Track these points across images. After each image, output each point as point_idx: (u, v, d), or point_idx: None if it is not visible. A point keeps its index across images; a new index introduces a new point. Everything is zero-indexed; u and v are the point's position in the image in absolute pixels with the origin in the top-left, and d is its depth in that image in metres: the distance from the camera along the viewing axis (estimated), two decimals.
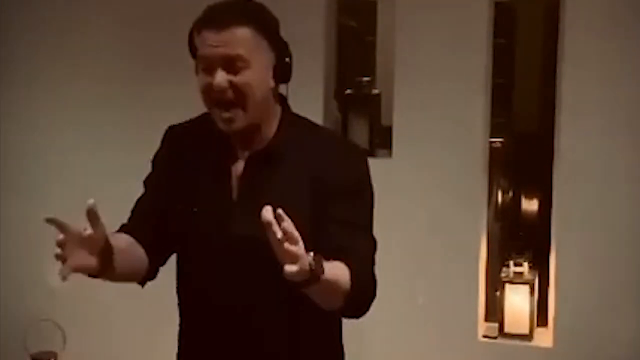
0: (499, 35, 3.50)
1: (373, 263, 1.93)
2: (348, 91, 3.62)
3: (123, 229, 2.03)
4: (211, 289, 1.93)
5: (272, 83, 1.88)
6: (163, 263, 2.05)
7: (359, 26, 4.17)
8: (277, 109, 1.95)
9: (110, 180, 3.62)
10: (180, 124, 2.06)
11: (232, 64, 1.82)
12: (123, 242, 1.92)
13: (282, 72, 1.90)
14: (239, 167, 1.92)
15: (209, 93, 1.85)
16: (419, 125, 3.34)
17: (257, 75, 1.85)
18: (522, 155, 3.94)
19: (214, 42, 1.82)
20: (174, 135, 2.05)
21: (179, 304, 2.04)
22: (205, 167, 1.95)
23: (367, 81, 3.67)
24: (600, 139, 3.18)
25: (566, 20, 3.19)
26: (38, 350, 3.36)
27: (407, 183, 3.37)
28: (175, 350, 2.08)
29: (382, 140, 3.56)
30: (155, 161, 2.07)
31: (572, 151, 3.21)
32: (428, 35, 3.31)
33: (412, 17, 3.34)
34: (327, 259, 1.70)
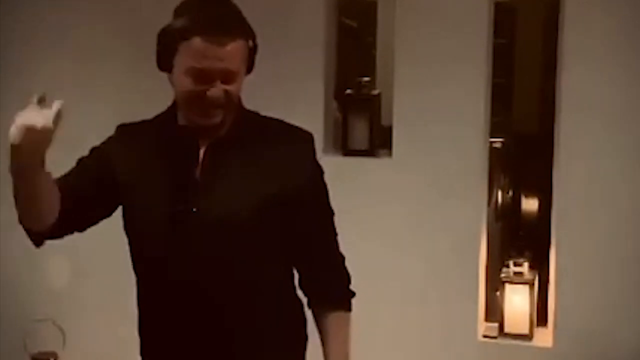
0: (499, 35, 3.50)
1: (336, 235, 2.06)
2: (348, 91, 3.62)
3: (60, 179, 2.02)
4: (172, 277, 1.95)
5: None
6: (72, 227, 2.05)
7: (359, 26, 4.17)
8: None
9: None
10: (131, 123, 2.11)
11: (227, 76, 1.87)
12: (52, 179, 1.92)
13: (250, 68, 1.97)
14: (197, 156, 1.95)
15: (195, 100, 1.88)
16: (419, 125, 3.34)
17: (241, 81, 1.93)
18: (522, 155, 3.94)
19: (215, 56, 1.84)
20: (126, 132, 2.10)
21: (137, 289, 2.05)
22: (164, 160, 1.98)
23: (367, 81, 3.66)
24: (600, 139, 3.18)
25: (566, 20, 3.19)
26: (38, 351, 3.36)
27: (407, 183, 3.37)
28: None
29: (382, 140, 3.56)
30: (101, 147, 2.10)
31: (572, 151, 3.21)
32: (428, 35, 3.31)
33: (412, 17, 3.34)
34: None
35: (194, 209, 1.91)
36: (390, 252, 3.28)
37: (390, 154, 3.41)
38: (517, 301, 3.36)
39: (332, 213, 2.05)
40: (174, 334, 1.97)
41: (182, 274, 1.93)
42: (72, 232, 2.06)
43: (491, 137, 3.44)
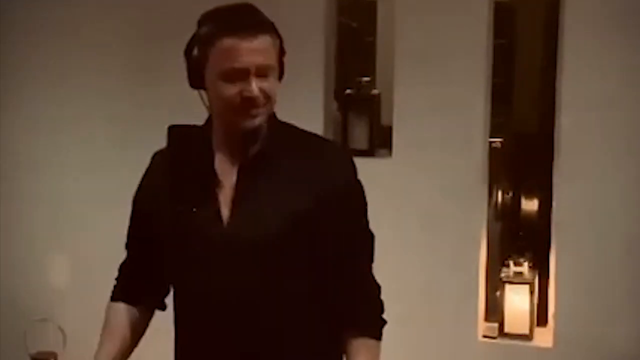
0: (499, 35, 3.50)
1: (372, 261, 2.00)
2: (348, 91, 3.62)
3: (121, 293, 2.10)
4: (209, 293, 1.92)
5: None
6: (169, 292, 2.06)
7: (359, 26, 4.17)
8: None
9: (110, 179, 3.63)
10: (165, 149, 2.04)
11: (262, 71, 1.84)
12: (124, 332, 2.03)
13: (281, 73, 1.94)
14: (230, 172, 1.91)
15: (236, 101, 1.84)
16: (419, 125, 3.34)
17: (276, 79, 1.89)
18: (522, 155, 3.94)
19: (247, 51, 1.81)
20: (158, 160, 2.06)
21: (175, 311, 2.03)
22: (193, 178, 1.93)
23: (367, 81, 3.67)
24: (600, 139, 3.18)
25: (566, 21, 3.20)
26: (38, 350, 3.36)
27: (406, 183, 3.37)
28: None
29: (382, 140, 3.56)
30: (137, 192, 2.08)
31: (572, 151, 3.21)
32: (428, 36, 3.31)
33: (412, 17, 3.34)
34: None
35: (226, 228, 1.88)
36: (390, 252, 3.28)
37: (390, 154, 3.41)
38: (517, 301, 3.36)
39: (371, 236, 2.00)
40: (208, 353, 1.95)
41: (216, 294, 1.89)
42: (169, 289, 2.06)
43: (491, 137, 3.44)
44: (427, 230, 3.36)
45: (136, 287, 2.08)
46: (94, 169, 3.68)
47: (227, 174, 1.91)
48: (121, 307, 2.07)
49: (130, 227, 2.08)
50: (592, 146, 3.19)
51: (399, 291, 3.35)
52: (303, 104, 3.32)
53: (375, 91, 3.66)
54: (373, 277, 2.00)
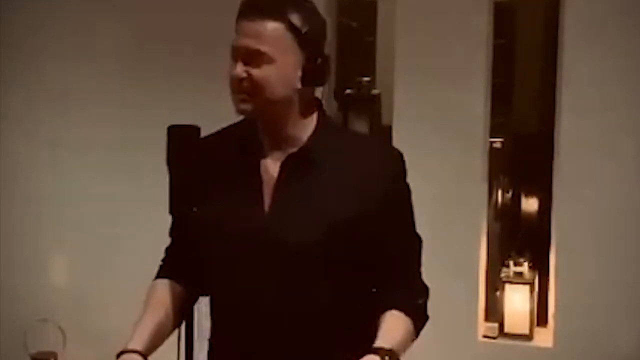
0: (499, 35, 3.50)
1: (420, 266, 1.98)
2: (348, 91, 3.62)
3: (168, 271, 2.01)
4: (245, 294, 1.87)
5: (298, 84, 1.81)
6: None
7: (359, 26, 4.17)
8: (312, 113, 1.88)
9: (110, 179, 3.63)
10: (207, 136, 2.02)
11: (252, 57, 1.78)
12: (165, 306, 1.94)
13: (313, 74, 1.83)
14: (272, 170, 1.86)
15: (230, 82, 1.81)
16: (419, 125, 3.34)
17: (279, 72, 1.79)
18: (522, 155, 3.94)
19: (241, 32, 1.79)
20: (202, 149, 2.01)
21: (211, 311, 1.99)
22: (236, 173, 1.89)
23: (367, 81, 3.67)
24: (600, 139, 3.18)
25: (566, 21, 3.19)
26: (38, 350, 3.36)
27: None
28: (176, 350, 2.08)
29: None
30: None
31: (572, 151, 3.21)
32: (428, 36, 3.31)
33: (412, 17, 3.34)
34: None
35: (268, 238, 1.82)
36: None
37: None
38: (517, 301, 3.36)
39: (418, 240, 1.95)
40: (243, 353, 1.91)
41: (252, 294, 1.84)
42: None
43: (491, 137, 3.44)
44: (427, 230, 3.34)
45: (181, 267, 1.98)
46: (94, 169, 3.68)
47: (270, 170, 1.86)
48: (165, 283, 1.98)
49: (175, 232, 2.03)
50: (591, 146, 3.19)
51: None
52: None
53: (375, 91, 3.66)
54: (421, 279, 1.97)
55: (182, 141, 2.12)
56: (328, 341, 1.86)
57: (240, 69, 1.79)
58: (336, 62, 3.60)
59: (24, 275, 3.78)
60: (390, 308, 1.85)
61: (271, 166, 1.85)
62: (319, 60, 1.82)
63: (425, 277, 3.11)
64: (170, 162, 2.33)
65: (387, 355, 1.72)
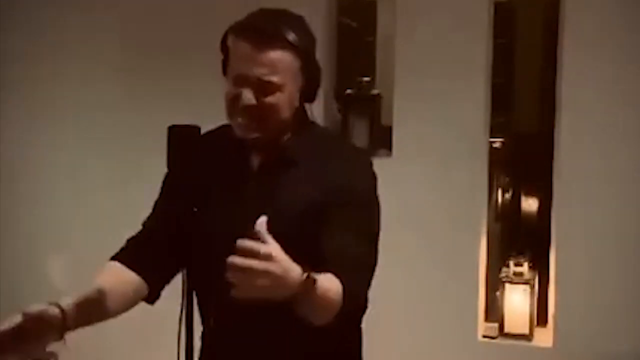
0: (499, 35, 3.50)
1: (371, 276, 1.91)
2: (348, 91, 3.62)
3: (122, 254, 2.02)
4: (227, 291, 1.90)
5: (297, 103, 1.88)
6: (167, 282, 2.03)
7: (359, 26, 4.17)
8: (296, 120, 1.93)
9: (110, 179, 3.63)
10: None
11: (263, 87, 1.81)
12: (107, 285, 1.94)
13: (311, 92, 1.90)
14: (254, 173, 1.91)
15: (234, 103, 1.83)
16: (419, 125, 3.34)
17: (286, 97, 1.84)
18: (522, 155, 3.94)
19: (251, 60, 1.79)
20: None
21: (199, 307, 2.02)
22: (220, 175, 1.94)
23: (367, 81, 3.66)
24: (600, 139, 3.18)
25: (566, 20, 3.20)
26: None
27: (407, 183, 3.36)
28: (175, 350, 2.08)
29: (382, 140, 3.56)
30: (166, 179, 2.05)
31: (572, 151, 3.21)
32: (428, 36, 3.31)
33: (412, 17, 3.34)
34: (321, 270, 1.66)
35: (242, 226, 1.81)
36: (390, 253, 3.27)
37: (390, 154, 3.41)
38: (517, 301, 3.36)
39: (376, 255, 1.93)
40: (231, 346, 1.95)
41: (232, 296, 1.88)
42: (169, 282, 2.03)
43: (491, 137, 3.44)
44: (427, 230, 3.36)
45: (143, 257, 2.00)
46: (94, 169, 3.68)
47: (245, 175, 1.91)
48: (117, 266, 2.00)
49: (154, 207, 2.05)
50: (592, 146, 3.19)
51: (399, 291, 3.35)
52: None
53: (375, 91, 3.66)
54: (366, 288, 1.88)
55: (182, 141, 2.11)
56: (300, 331, 1.82)
57: (250, 96, 1.81)
58: (336, 62, 3.60)
59: (24, 275, 3.78)
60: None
61: (250, 169, 1.90)
62: (316, 78, 1.89)
63: (426, 277, 3.12)
64: (170, 162, 2.32)
65: (307, 274, 1.59)
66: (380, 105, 3.64)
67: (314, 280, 1.60)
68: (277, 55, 1.80)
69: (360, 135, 3.55)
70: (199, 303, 2.02)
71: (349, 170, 1.91)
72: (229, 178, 1.93)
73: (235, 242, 1.77)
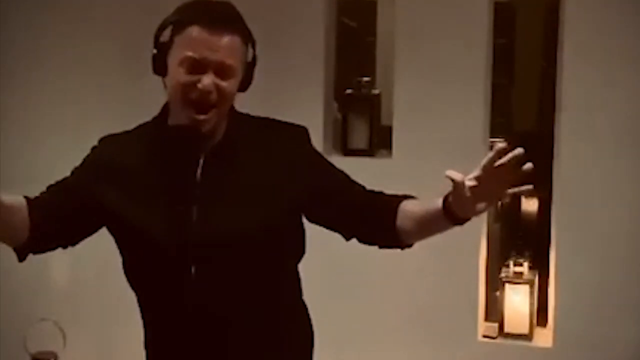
0: (499, 35, 3.50)
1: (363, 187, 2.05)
2: (348, 91, 3.62)
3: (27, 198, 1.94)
4: (175, 293, 1.89)
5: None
6: (49, 244, 2.05)
7: (359, 26, 4.17)
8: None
9: None
10: (115, 134, 2.02)
11: (223, 70, 1.82)
12: (8, 200, 1.85)
13: (246, 83, 1.92)
14: (190, 168, 1.88)
15: (188, 92, 1.82)
16: (419, 125, 3.34)
17: (236, 84, 1.87)
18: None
19: (211, 45, 1.80)
20: (111, 145, 2.00)
21: (142, 312, 2.01)
22: (154, 174, 1.91)
23: (367, 81, 3.66)
24: (600, 138, 3.18)
25: (566, 20, 3.19)
26: (38, 350, 3.36)
27: (407, 183, 3.36)
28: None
29: (382, 140, 3.56)
30: (83, 166, 2.02)
31: (572, 151, 3.21)
32: (428, 36, 3.31)
33: (412, 17, 3.34)
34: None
35: (193, 225, 1.85)
36: (390, 253, 3.27)
37: (390, 154, 3.41)
38: (517, 301, 3.36)
39: (346, 174, 2.03)
40: (180, 351, 1.93)
41: (187, 294, 1.87)
42: (52, 248, 2.06)
43: (491, 137, 3.44)
44: None
45: (42, 209, 1.96)
46: None
47: (187, 168, 1.88)
48: (22, 200, 1.95)
49: (62, 183, 2.01)
50: (592, 146, 3.19)
51: (399, 291, 3.35)
52: (303, 104, 3.32)
53: (375, 91, 3.66)
54: (372, 190, 2.04)
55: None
56: (269, 331, 1.93)
57: (210, 81, 1.81)
58: (336, 62, 3.60)
59: (24, 275, 3.78)
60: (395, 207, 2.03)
61: (187, 165, 1.87)
62: (253, 69, 1.90)
63: (426, 277, 3.13)
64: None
65: None
66: (380, 105, 3.64)
67: None
68: (233, 39, 1.82)
69: (360, 135, 3.55)
70: (143, 314, 2.00)
71: (293, 154, 1.94)
72: (173, 173, 1.89)
73: (191, 241, 1.81)
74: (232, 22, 1.84)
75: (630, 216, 3.18)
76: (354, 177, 2.06)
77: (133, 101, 3.65)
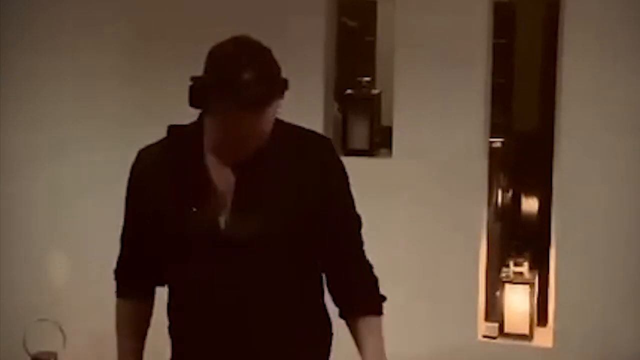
0: (499, 35, 3.50)
1: (363, 244, 2.08)
2: (348, 91, 3.62)
3: (125, 285, 2.18)
4: (209, 291, 1.94)
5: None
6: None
7: (359, 26, 4.17)
8: None
9: (110, 179, 3.62)
10: (151, 145, 2.06)
11: (257, 134, 1.85)
12: (139, 334, 2.15)
13: (281, 95, 1.92)
14: (226, 174, 1.92)
15: (225, 138, 1.84)
16: (419, 125, 3.34)
17: (270, 122, 1.87)
18: (522, 155, 3.94)
19: (243, 121, 1.79)
20: (148, 159, 2.04)
21: (171, 317, 2.06)
22: (185, 183, 1.95)
23: (367, 81, 3.66)
24: (600, 139, 3.18)
25: (566, 20, 3.20)
26: (38, 350, 3.36)
27: (407, 183, 3.36)
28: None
29: (382, 140, 3.56)
30: (130, 190, 2.07)
31: (572, 151, 3.21)
32: (428, 35, 3.31)
33: (412, 17, 3.34)
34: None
35: (226, 228, 1.91)
36: (390, 252, 3.28)
37: (390, 154, 3.41)
38: (517, 301, 3.36)
39: (359, 222, 2.06)
40: (207, 349, 1.99)
41: (217, 296, 1.93)
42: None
43: (491, 137, 3.44)
44: (427, 230, 3.36)
45: (140, 282, 2.13)
46: (94, 169, 3.68)
47: (223, 174, 1.93)
48: (132, 304, 2.17)
49: (125, 223, 2.09)
50: (591, 146, 3.19)
51: (399, 291, 3.35)
52: (303, 104, 3.32)
53: (375, 91, 3.66)
54: (365, 256, 2.08)
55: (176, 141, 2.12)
56: (289, 332, 1.98)
57: (241, 141, 1.85)
58: (336, 62, 3.60)
59: (24, 275, 3.78)
60: (357, 307, 2.03)
61: (222, 171, 1.92)
62: (285, 86, 1.90)
63: (426, 277, 3.13)
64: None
65: None
66: (380, 105, 3.64)
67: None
68: (267, 112, 1.82)
69: (360, 135, 3.55)
70: (177, 310, 2.04)
71: (318, 161, 1.98)
72: (210, 178, 1.94)
73: (218, 251, 1.88)
74: (268, 96, 1.81)
75: (630, 216, 3.18)
76: (353, 177, 2.06)
77: (136, 102, 3.65)
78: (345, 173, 2.04)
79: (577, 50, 3.17)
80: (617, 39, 3.14)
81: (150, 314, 2.16)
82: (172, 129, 2.01)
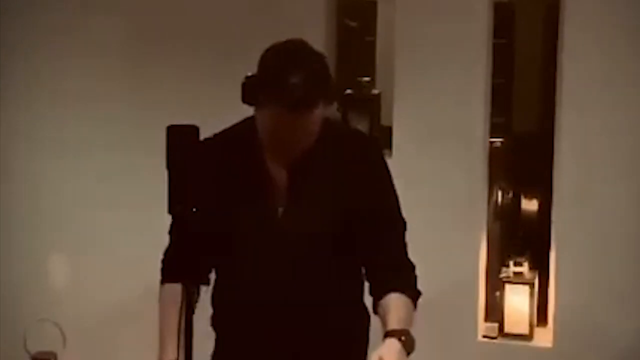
0: (499, 35, 3.50)
1: (406, 245, 2.17)
2: (348, 91, 3.62)
3: (171, 270, 2.11)
4: (259, 286, 2.01)
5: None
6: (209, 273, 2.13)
7: (359, 26, 4.17)
8: None
9: (110, 179, 3.63)
10: (207, 138, 2.07)
11: (307, 135, 1.92)
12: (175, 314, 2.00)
13: (331, 100, 1.99)
14: (279, 170, 1.99)
15: (274, 136, 1.91)
16: (419, 125, 3.34)
17: (317, 123, 1.92)
18: (522, 155, 3.94)
19: (290, 122, 1.86)
20: (205, 150, 2.05)
21: (217, 304, 2.10)
22: (243, 175, 2.02)
23: (367, 81, 3.67)
24: (600, 138, 3.18)
25: (566, 20, 3.20)
26: (38, 350, 3.36)
27: (407, 183, 3.36)
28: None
29: (382, 140, 3.55)
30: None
31: (572, 151, 3.21)
32: (428, 35, 3.31)
33: (412, 17, 3.34)
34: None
35: (283, 216, 1.98)
36: None
37: (390, 154, 3.41)
38: (517, 301, 3.36)
39: (404, 224, 2.16)
40: (251, 340, 2.04)
41: (267, 290, 1.99)
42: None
43: (491, 137, 3.44)
44: (427, 230, 3.35)
45: (188, 269, 2.04)
46: (94, 169, 3.68)
47: (277, 171, 2.00)
48: (178, 289, 2.05)
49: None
50: (592, 146, 3.19)
51: None
52: None
53: (375, 91, 3.66)
54: (408, 258, 2.16)
55: (181, 141, 2.12)
56: (330, 326, 2.04)
57: (293, 139, 1.92)
58: (336, 62, 3.60)
59: (24, 275, 3.78)
60: (389, 291, 2.02)
61: (276, 166, 1.99)
62: (334, 88, 2.00)
63: (426, 277, 3.12)
64: (169, 162, 2.33)
65: (402, 335, 1.90)
66: (380, 105, 3.64)
67: (408, 335, 1.90)
68: (315, 113, 1.88)
69: None
70: (226, 299, 2.08)
71: (365, 160, 2.05)
72: (258, 179, 2.01)
73: (273, 245, 1.95)
74: (317, 94, 1.87)
75: (630, 216, 3.18)
76: None
77: (136, 103, 3.65)
78: (389, 174, 2.11)
79: (577, 51, 3.17)
80: (616, 39, 3.14)
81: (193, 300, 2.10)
82: (224, 130, 2.07)
